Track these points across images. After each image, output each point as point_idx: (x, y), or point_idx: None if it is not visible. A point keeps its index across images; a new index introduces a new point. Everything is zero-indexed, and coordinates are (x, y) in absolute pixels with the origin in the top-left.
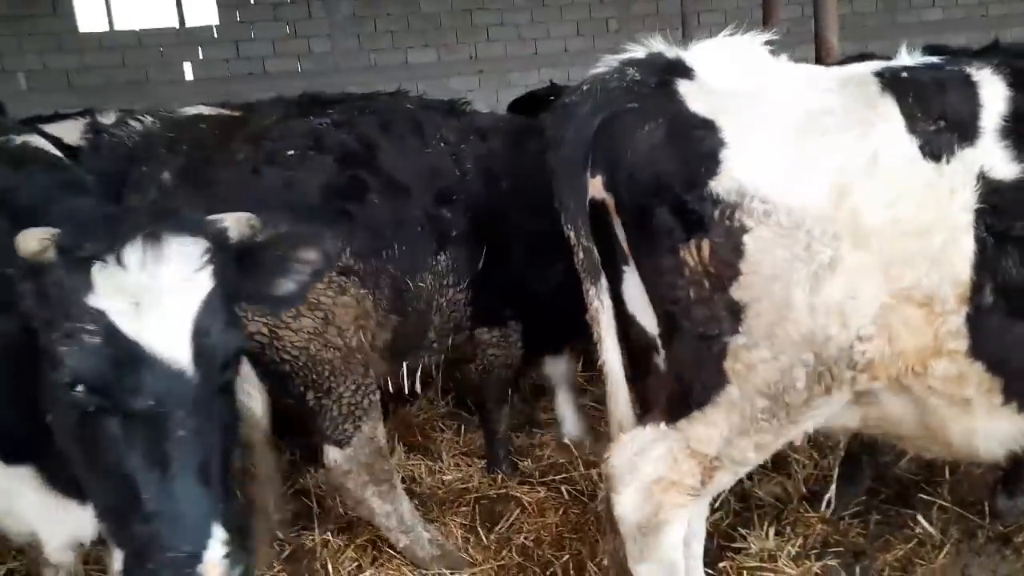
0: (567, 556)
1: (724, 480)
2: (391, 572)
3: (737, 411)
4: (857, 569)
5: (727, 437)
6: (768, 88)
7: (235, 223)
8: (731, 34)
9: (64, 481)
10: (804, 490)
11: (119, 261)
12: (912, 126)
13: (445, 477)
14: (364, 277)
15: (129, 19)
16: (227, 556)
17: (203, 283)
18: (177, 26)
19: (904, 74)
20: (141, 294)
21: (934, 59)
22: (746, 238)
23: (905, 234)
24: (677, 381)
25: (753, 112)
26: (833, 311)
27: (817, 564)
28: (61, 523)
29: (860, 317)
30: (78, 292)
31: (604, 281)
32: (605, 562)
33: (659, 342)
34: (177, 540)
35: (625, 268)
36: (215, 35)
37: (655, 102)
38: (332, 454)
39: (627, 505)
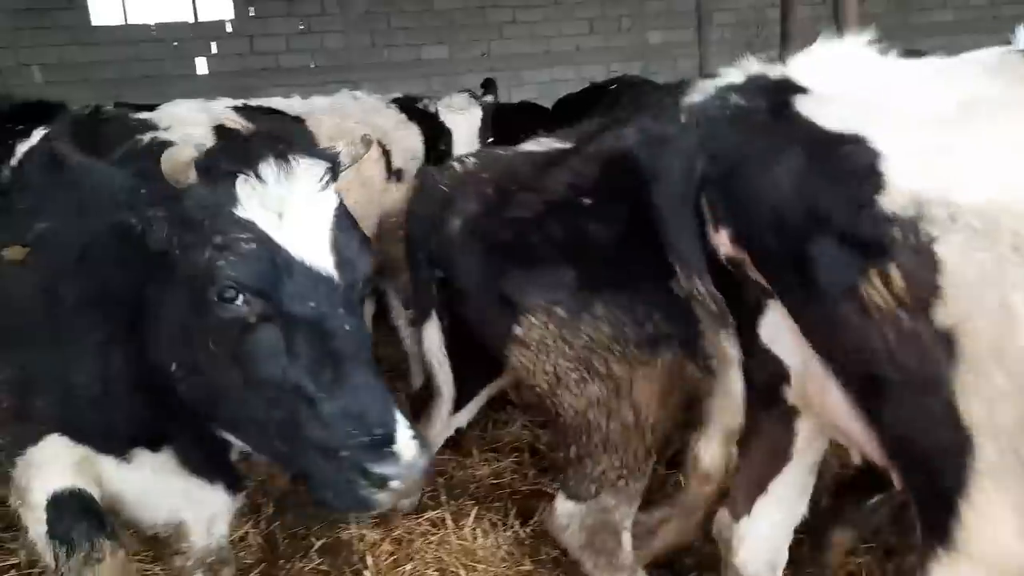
0: None
1: None
2: (428, 564)
3: (1009, 476)
4: None
5: (1021, 525)
6: (902, 86)
7: (346, 148)
8: (826, 43)
9: (197, 461)
10: None
11: (258, 176)
12: None
13: (477, 472)
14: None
15: (143, 13)
16: (415, 437)
17: (332, 198)
18: (192, 20)
19: None
20: (283, 205)
21: None
22: (937, 248)
23: None
24: (909, 465)
25: (900, 111)
26: None
27: None
28: (202, 504)
29: None
30: (226, 206)
31: (732, 328)
32: None
33: (791, 375)
34: (368, 426)
35: (768, 302)
36: (229, 30)
37: (779, 130)
38: (561, 503)
39: None
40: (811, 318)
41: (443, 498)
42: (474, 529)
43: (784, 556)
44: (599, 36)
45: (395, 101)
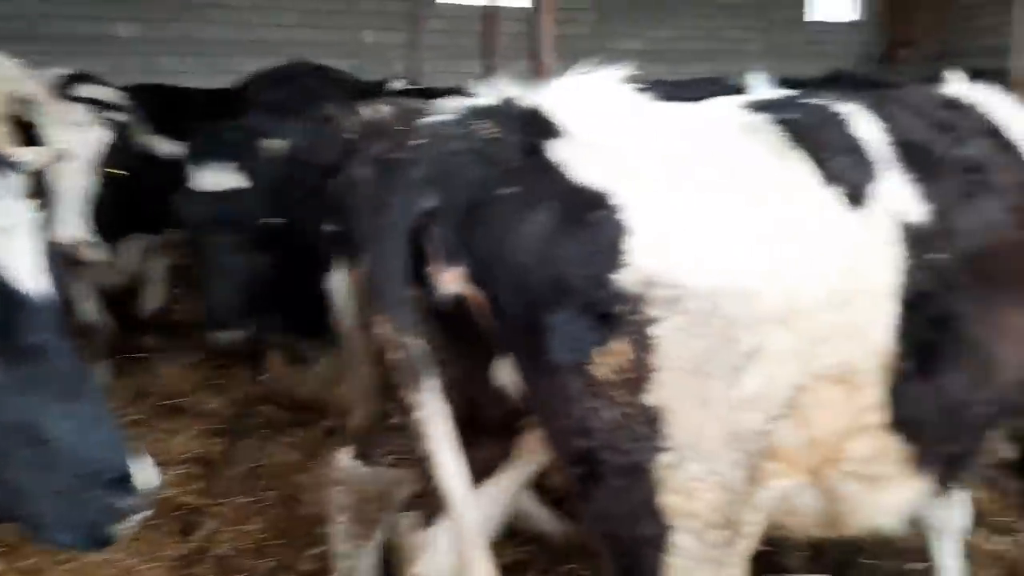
0: (273, 563)
1: None
2: None
3: (698, 564)
4: None
5: None
6: (660, 143)
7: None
8: (586, 71)
9: None
10: None
11: None
12: (828, 175)
13: None
14: None
15: None
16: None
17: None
18: None
19: (798, 116)
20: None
21: (790, 92)
22: (654, 330)
23: (835, 305)
24: (614, 550)
25: (652, 176)
26: (755, 403)
27: None
28: None
29: (773, 403)
30: None
31: (431, 382)
32: None
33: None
34: (105, 462)
35: (497, 354)
36: None
37: (534, 179)
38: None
39: None
40: (536, 389)
41: None
42: (128, 548)
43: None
44: (310, 29)
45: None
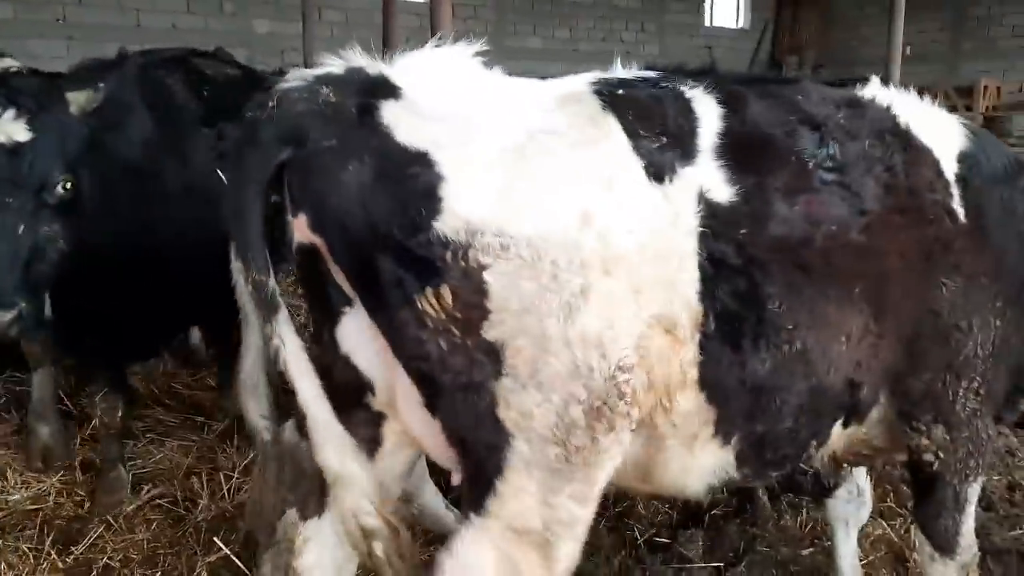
0: (159, 574)
1: (568, 552)
2: None
3: (537, 467)
4: None
5: (543, 500)
6: (487, 108)
7: None
8: (437, 45)
9: None
10: None
11: None
12: (638, 144)
13: (10, 497)
14: None
15: None
16: None
17: None
18: None
19: (621, 90)
20: None
21: (650, 74)
22: (487, 275)
23: (650, 259)
24: (463, 452)
25: (472, 137)
26: (592, 342)
27: None
28: None
29: (619, 347)
30: None
31: (282, 315)
32: None
33: (375, 384)
34: None
35: (345, 310)
36: None
37: (357, 136)
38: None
39: None
40: (377, 315)
41: None
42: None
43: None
44: (198, 17)
45: None
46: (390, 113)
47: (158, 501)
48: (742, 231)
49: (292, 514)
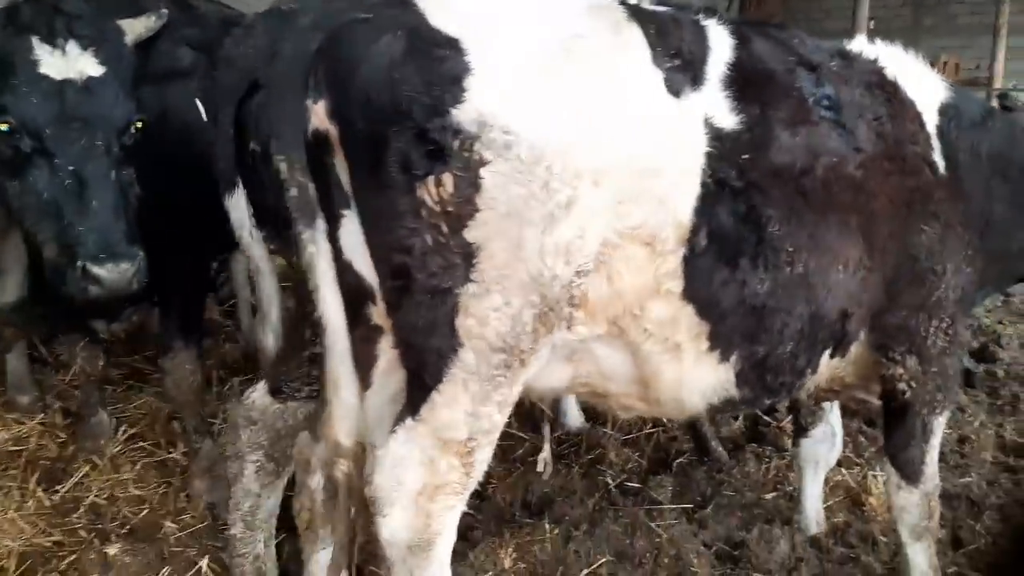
0: (146, 511)
1: (484, 457)
2: None
3: (475, 378)
4: None
5: (472, 411)
6: (515, 7)
7: None
8: None
9: None
10: None
11: None
12: (657, 57)
13: None
14: None
15: None
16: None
17: None
18: None
19: (643, 5)
20: None
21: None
22: (483, 172)
23: (639, 171)
24: (409, 356)
25: (499, 33)
26: (561, 251)
27: None
28: None
29: (583, 255)
30: None
31: (321, 222)
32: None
33: (377, 294)
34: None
35: (344, 212)
36: None
37: (391, 13)
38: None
39: (395, 526)
40: (372, 204)
41: None
42: None
43: None
44: None
45: None
46: (423, 1)
47: (140, 444)
48: (745, 155)
49: (305, 436)
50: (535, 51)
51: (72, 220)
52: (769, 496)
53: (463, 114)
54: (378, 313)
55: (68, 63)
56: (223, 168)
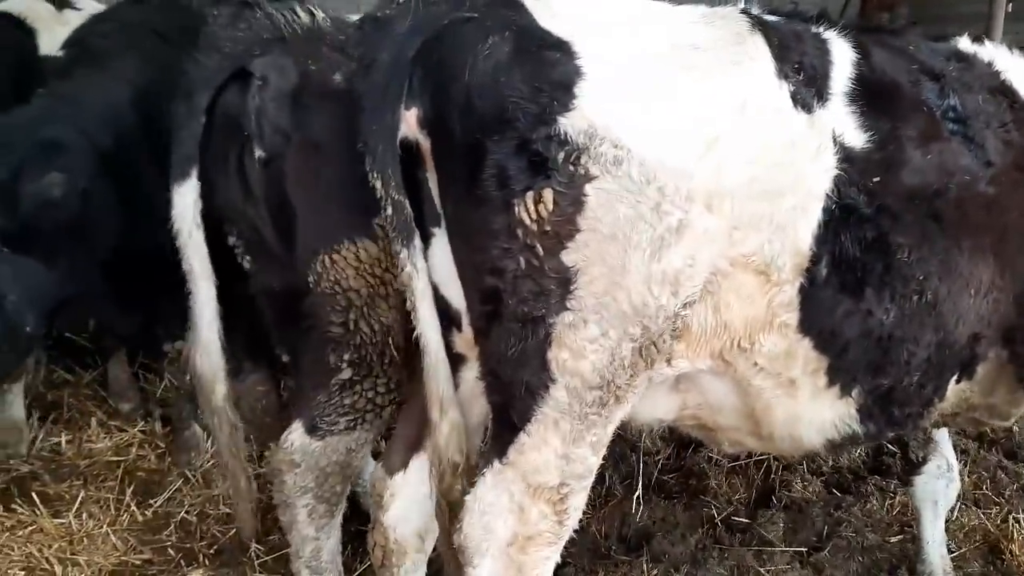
0: (234, 531)
1: (578, 504)
2: (13, 562)
3: (567, 417)
4: None
5: (563, 454)
6: (630, 15)
7: None
8: None
9: None
10: None
11: None
12: (781, 71)
13: (94, 446)
14: None
15: None
16: None
17: None
18: None
19: (766, 16)
20: None
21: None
22: (588, 188)
23: (758, 195)
24: (496, 389)
25: (613, 38)
26: (669, 279)
27: None
28: None
29: (692, 284)
30: None
31: (418, 241)
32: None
33: (463, 319)
34: None
35: (434, 231)
36: None
37: (498, 12)
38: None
39: None
40: (463, 220)
41: (46, 479)
42: (79, 515)
43: (435, 527)
44: None
45: None
46: (530, 1)
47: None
48: (875, 178)
49: (379, 469)
50: (651, 60)
51: None
52: (894, 539)
53: (571, 123)
54: (462, 341)
55: None
56: (183, 154)
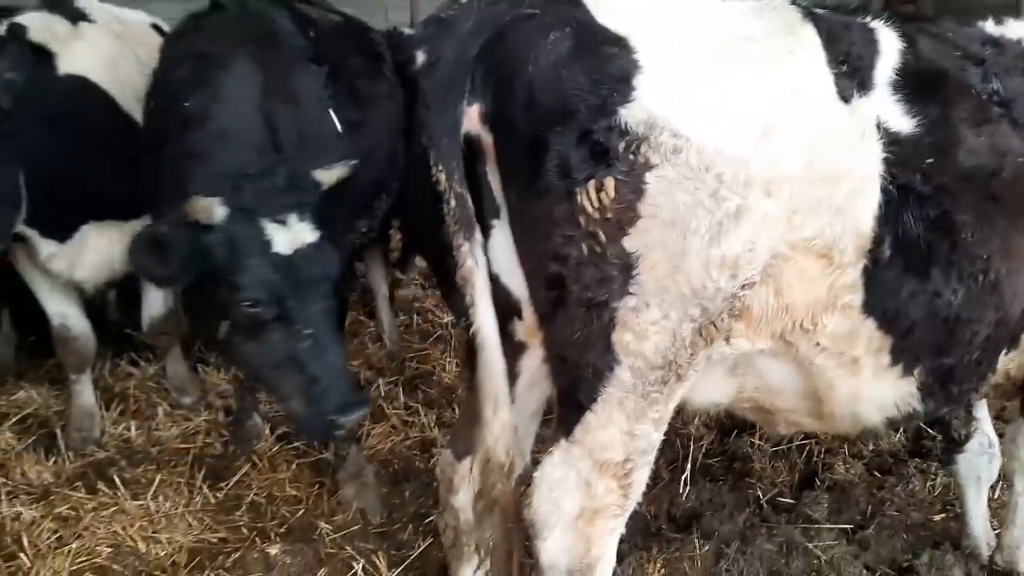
0: (302, 511)
1: (642, 478)
2: (100, 540)
3: (631, 396)
4: None
5: (628, 431)
6: (680, 8)
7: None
8: None
9: None
10: None
11: None
12: (831, 60)
13: (163, 434)
14: None
15: None
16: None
17: None
18: None
19: (815, 8)
20: None
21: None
22: (649, 176)
23: (815, 180)
24: (562, 371)
25: (668, 32)
26: (728, 263)
27: None
28: None
29: (751, 267)
30: None
31: (479, 235)
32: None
33: (524, 308)
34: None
35: (494, 223)
36: None
37: (558, 9)
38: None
39: (555, 551)
40: (526, 211)
41: (122, 464)
42: (156, 497)
43: None
44: None
45: None
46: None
47: (293, 444)
48: (928, 160)
49: (448, 454)
50: (705, 51)
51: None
52: (937, 517)
53: (631, 114)
54: (523, 329)
55: None
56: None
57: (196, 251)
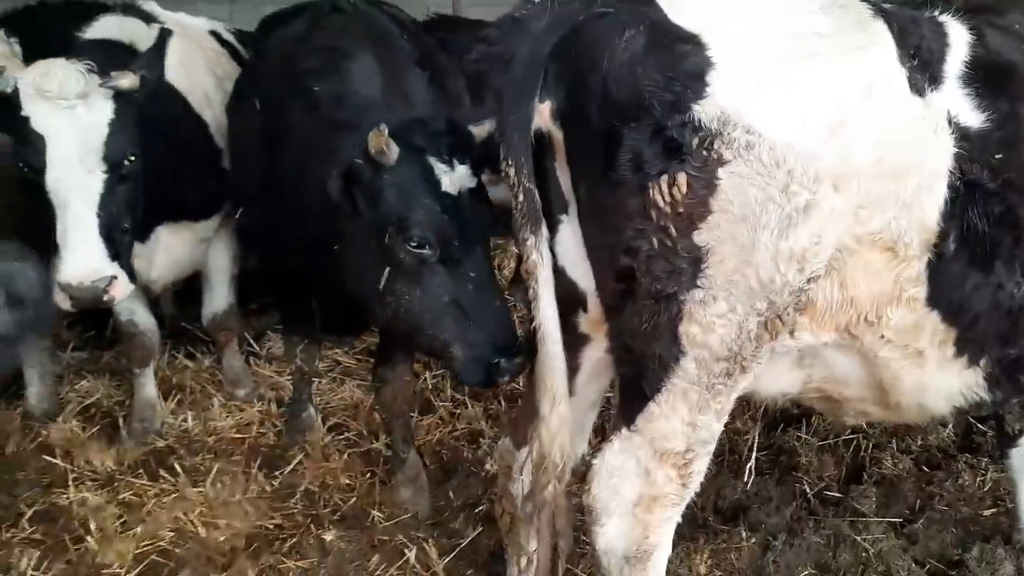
0: (354, 499)
1: (701, 468)
2: (162, 525)
3: (696, 387)
4: None
5: (690, 421)
6: (750, 6)
7: None
8: None
9: None
10: None
11: None
12: (903, 55)
13: (219, 424)
14: None
15: None
16: None
17: None
18: None
19: (882, 3)
20: None
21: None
22: (721, 172)
23: (884, 175)
24: (628, 361)
25: (740, 29)
26: (796, 257)
27: None
28: None
29: (818, 261)
30: None
31: (545, 230)
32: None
33: (589, 300)
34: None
35: (562, 218)
36: None
37: (632, 8)
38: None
39: (611, 536)
40: (597, 205)
41: (181, 452)
42: (215, 484)
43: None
44: None
45: None
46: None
47: (345, 434)
48: (997, 155)
49: (507, 442)
50: (776, 48)
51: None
52: (988, 512)
53: (704, 110)
54: (587, 321)
55: None
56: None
57: (374, 191)
